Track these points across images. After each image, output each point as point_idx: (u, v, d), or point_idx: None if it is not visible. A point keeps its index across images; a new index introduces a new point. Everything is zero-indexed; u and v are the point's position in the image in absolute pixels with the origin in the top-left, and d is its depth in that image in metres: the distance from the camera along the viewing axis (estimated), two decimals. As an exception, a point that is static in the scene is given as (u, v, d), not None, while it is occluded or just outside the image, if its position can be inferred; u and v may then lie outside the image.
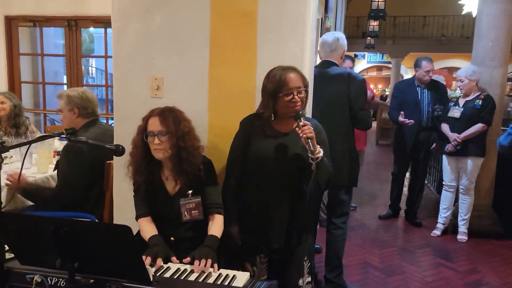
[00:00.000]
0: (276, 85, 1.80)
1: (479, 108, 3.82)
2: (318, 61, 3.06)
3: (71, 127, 2.49)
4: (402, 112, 4.11)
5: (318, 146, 1.75)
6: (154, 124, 1.82)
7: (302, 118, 1.74)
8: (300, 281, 1.97)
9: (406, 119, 4.07)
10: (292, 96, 1.79)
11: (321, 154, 1.74)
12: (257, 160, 1.89)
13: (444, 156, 4.10)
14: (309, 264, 2.01)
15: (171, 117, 1.83)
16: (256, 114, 1.94)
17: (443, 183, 4.19)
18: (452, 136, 3.90)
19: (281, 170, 1.86)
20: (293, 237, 1.92)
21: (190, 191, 1.87)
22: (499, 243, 4.03)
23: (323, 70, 2.76)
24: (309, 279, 2.03)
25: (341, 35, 2.82)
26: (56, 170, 2.45)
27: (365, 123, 2.74)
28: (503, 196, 4.33)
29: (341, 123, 2.69)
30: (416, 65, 4.28)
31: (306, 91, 1.84)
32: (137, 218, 1.92)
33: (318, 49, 2.88)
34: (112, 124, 2.51)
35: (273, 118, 1.86)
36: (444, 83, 4.86)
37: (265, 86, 1.85)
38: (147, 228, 1.87)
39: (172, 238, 1.86)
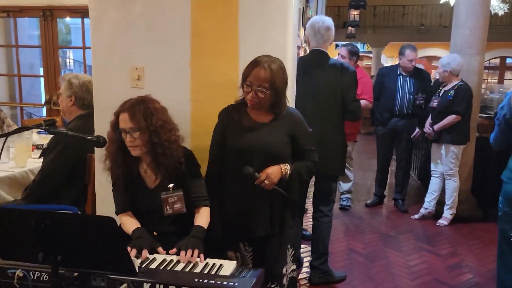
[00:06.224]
0: (244, 73, 1.81)
1: (451, 99, 3.91)
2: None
3: (65, 113, 2.47)
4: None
5: (283, 165, 1.81)
6: (124, 121, 1.76)
7: (256, 174, 1.77)
8: (284, 269, 1.97)
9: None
10: (250, 90, 1.78)
11: (287, 171, 1.81)
12: (234, 151, 1.87)
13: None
14: (293, 252, 2.02)
15: (141, 112, 1.75)
16: (234, 104, 1.92)
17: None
18: (426, 126, 4.07)
19: (258, 160, 1.82)
20: (276, 225, 1.91)
21: (171, 185, 1.83)
22: (478, 226, 4.15)
23: (315, 60, 2.73)
24: (293, 266, 2.04)
25: (331, 23, 2.75)
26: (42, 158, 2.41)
27: (356, 114, 2.76)
28: (482, 181, 4.44)
29: (334, 114, 2.70)
30: (400, 53, 4.34)
31: (274, 93, 1.78)
32: (117, 214, 1.87)
33: (306, 33, 2.84)
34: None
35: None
36: (424, 71, 4.94)
37: None
38: (129, 222, 1.83)
39: (155, 233, 1.82)
